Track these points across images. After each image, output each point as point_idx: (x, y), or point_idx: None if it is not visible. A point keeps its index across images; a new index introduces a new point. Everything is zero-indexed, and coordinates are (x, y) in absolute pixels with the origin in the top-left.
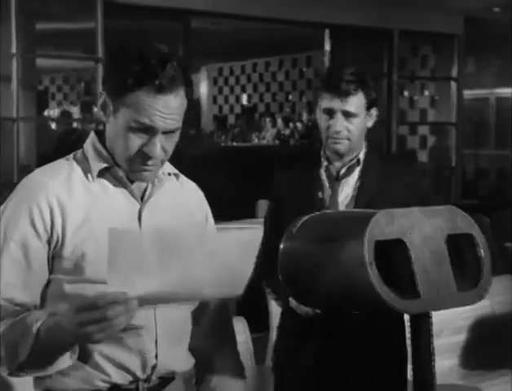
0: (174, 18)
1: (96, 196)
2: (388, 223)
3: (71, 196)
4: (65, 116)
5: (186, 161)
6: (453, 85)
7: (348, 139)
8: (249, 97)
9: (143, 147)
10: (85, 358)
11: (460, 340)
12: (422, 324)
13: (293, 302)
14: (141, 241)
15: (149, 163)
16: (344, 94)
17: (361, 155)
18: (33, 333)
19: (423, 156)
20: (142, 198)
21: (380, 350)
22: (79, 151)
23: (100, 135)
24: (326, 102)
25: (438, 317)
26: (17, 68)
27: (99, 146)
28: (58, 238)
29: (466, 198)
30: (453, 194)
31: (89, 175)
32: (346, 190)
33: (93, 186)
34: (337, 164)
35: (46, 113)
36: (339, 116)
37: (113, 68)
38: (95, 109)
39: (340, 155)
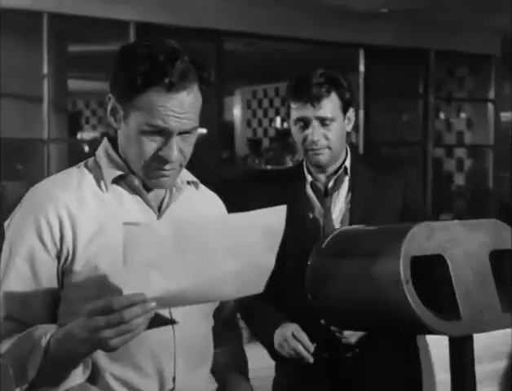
0: (208, 39)
1: (110, 206)
2: (427, 237)
3: (82, 206)
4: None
5: (220, 184)
6: (490, 106)
7: (328, 148)
8: (283, 120)
9: (159, 151)
10: (94, 379)
11: (499, 367)
12: (464, 347)
13: (275, 343)
14: (158, 237)
15: (167, 167)
16: (316, 99)
17: (347, 163)
18: (42, 347)
19: (460, 179)
20: (159, 208)
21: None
22: (91, 159)
23: (114, 142)
24: (298, 111)
25: (476, 342)
26: (48, 90)
27: (112, 152)
28: (68, 252)
29: (503, 221)
30: (490, 217)
31: (102, 183)
32: (339, 204)
33: (106, 196)
34: (322, 177)
35: (79, 136)
36: (314, 124)
37: (120, 69)
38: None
39: (322, 167)
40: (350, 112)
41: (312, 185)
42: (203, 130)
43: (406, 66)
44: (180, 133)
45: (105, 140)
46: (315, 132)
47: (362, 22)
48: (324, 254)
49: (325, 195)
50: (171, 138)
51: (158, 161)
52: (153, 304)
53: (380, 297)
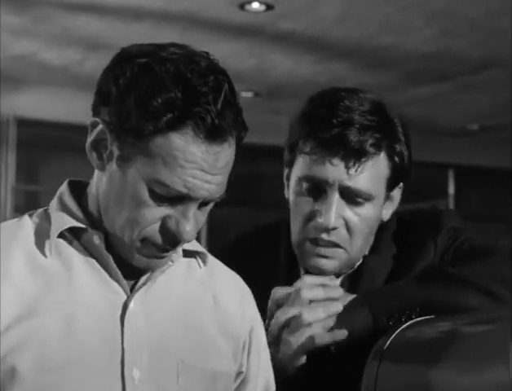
0: None
1: (51, 276)
2: None
3: (7, 276)
4: None
5: None
6: None
7: (345, 249)
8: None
9: (167, 220)
10: None
11: None
12: None
13: None
14: None
15: (175, 248)
16: (355, 156)
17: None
18: None
19: None
20: (134, 283)
21: None
22: (39, 210)
23: (78, 189)
24: (310, 164)
25: None
26: None
27: (68, 200)
28: None
29: None
30: None
31: (46, 243)
32: None
33: (48, 262)
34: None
35: None
36: (335, 199)
37: (129, 87)
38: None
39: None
40: (397, 190)
41: None
42: None
43: (498, 188)
44: (202, 204)
45: (65, 184)
46: (334, 212)
47: (452, 141)
48: (389, 360)
49: None
50: (190, 208)
51: (163, 237)
52: None
53: None
